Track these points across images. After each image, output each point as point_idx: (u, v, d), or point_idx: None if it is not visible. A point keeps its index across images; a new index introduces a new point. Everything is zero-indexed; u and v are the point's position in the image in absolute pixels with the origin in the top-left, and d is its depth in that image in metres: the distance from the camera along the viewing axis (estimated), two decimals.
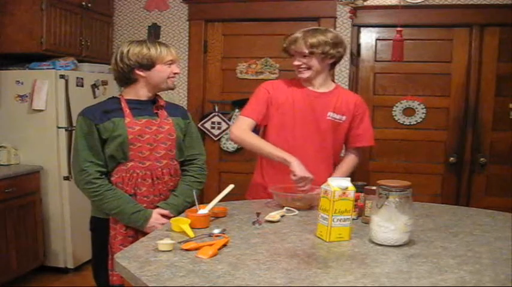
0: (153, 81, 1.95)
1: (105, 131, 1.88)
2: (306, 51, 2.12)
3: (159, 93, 2.04)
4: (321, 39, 2.10)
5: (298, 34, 2.15)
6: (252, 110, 2.21)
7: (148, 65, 1.91)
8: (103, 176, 1.89)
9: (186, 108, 2.23)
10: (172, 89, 2.05)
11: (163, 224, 1.83)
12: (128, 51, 1.91)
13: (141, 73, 1.93)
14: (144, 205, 1.90)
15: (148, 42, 1.95)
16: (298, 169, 2.00)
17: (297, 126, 2.19)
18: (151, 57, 1.91)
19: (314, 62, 2.15)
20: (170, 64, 1.96)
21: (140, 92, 1.97)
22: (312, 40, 2.10)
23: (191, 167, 2.07)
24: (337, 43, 2.14)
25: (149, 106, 1.98)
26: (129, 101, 1.96)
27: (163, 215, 1.90)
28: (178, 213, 1.89)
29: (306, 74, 2.18)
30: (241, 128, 2.18)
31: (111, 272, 1.86)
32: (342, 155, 2.37)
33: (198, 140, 2.14)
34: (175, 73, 1.98)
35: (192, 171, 2.07)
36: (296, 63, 2.18)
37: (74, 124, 2.51)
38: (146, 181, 1.91)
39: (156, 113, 1.98)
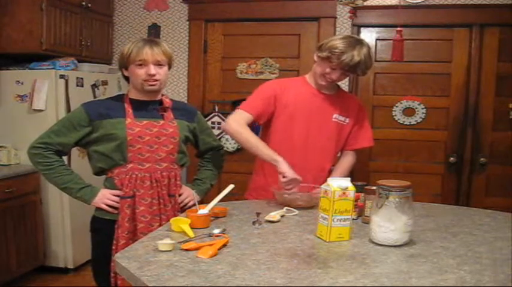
0: (132, 82, 1.95)
1: (101, 129, 1.88)
2: (342, 70, 2.10)
3: (164, 93, 2.04)
4: (362, 66, 2.07)
5: (342, 48, 2.03)
6: (253, 106, 2.18)
7: (125, 65, 1.91)
8: (57, 154, 1.92)
9: (194, 108, 2.19)
10: (152, 92, 1.94)
11: (107, 205, 1.89)
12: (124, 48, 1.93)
13: (125, 73, 1.95)
14: (142, 208, 1.88)
15: (136, 40, 1.92)
16: (287, 170, 1.99)
17: (302, 127, 2.18)
18: (124, 57, 1.90)
19: (339, 76, 2.14)
20: (142, 65, 1.87)
21: (135, 92, 1.96)
22: (353, 63, 2.04)
23: (210, 154, 2.20)
24: (368, 68, 2.13)
25: (154, 107, 1.96)
26: (132, 101, 1.95)
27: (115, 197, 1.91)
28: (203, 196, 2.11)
29: (329, 83, 2.18)
30: (239, 122, 2.14)
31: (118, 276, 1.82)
32: (338, 155, 2.36)
33: (210, 131, 2.22)
34: (149, 75, 1.87)
35: (212, 157, 2.21)
36: (326, 70, 2.11)
37: None
38: (145, 183, 1.90)
39: (162, 115, 1.97)
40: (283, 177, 1.99)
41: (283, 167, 2.00)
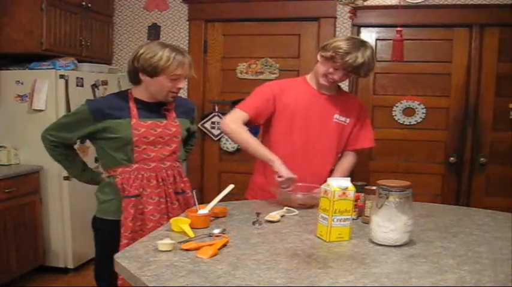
0: (150, 89, 1.93)
1: (105, 127, 1.88)
2: (345, 70, 2.09)
3: None
4: (365, 68, 2.07)
5: (346, 49, 2.03)
6: (250, 106, 2.18)
7: (152, 73, 1.87)
8: (63, 146, 2.01)
9: (193, 104, 2.27)
10: (169, 102, 1.98)
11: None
12: (142, 53, 1.87)
13: (143, 77, 1.91)
14: (151, 207, 1.90)
15: (169, 49, 1.87)
16: (283, 169, 1.98)
17: (303, 128, 2.18)
18: (157, 66, 1.85)
19: (341, 77, 2.14)
20: (175, 79, 1.89)
21: (143, 94, 1.96)
22: (356, 64, 2.04)
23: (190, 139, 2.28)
24: (370, 70, 2.13)
25: (158, 107, 1.97)
26: (137, 101, 1.95)
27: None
28: None
29: (331, 84, 2.17)
30: (235, 121, 2.13)
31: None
32: (339, 155, 2.36)
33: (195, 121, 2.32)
34: (178, 88, 1.93)
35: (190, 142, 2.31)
36: (329, 70, 2.11)
37: None
38: (151, 182, 1.91)
39: (165, 114, 1.98)
40: (279, 177, 1.99)
41: (278, 166, 1.99)
